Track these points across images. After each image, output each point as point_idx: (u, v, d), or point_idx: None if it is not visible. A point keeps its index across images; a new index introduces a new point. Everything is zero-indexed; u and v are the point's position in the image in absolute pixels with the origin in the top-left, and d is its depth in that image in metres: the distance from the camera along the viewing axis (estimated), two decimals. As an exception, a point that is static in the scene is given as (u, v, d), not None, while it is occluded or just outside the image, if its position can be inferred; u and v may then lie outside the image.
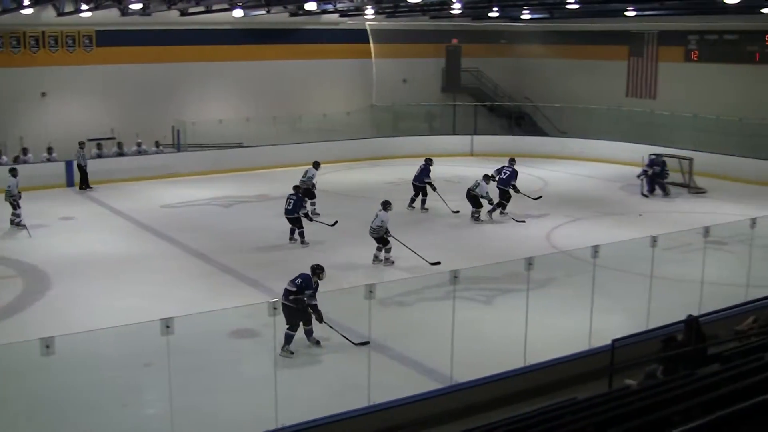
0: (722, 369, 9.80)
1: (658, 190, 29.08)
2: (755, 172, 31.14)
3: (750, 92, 33.96)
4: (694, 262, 16.94)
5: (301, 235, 22.42)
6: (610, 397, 9.87)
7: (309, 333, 14.66)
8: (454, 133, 40.30)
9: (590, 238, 18.20)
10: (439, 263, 19.31)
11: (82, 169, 30.14)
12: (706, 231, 15.69)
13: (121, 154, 32.13)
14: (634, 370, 12.48)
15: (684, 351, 11.66)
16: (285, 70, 38.36)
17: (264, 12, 32.80)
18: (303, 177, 25.90)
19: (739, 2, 27.20)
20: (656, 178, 29.07)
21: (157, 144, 33.20)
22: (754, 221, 16.31)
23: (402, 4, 31.91)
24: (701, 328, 11.93)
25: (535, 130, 41.88)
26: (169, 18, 33.44)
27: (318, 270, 14.77)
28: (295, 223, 22.43)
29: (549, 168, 34.31)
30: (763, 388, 4.56)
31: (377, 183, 31.12)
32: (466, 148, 37.76)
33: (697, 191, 29.46)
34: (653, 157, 29.59)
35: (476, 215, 25.17)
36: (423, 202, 26.79)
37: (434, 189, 26.49)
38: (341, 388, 13.31)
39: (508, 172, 26.11)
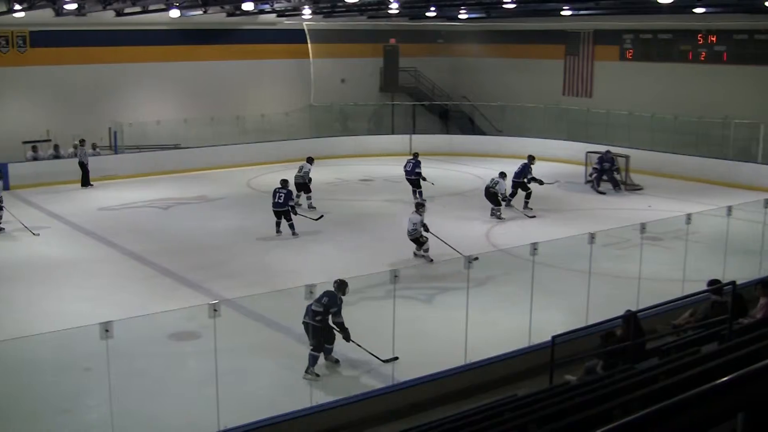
0: (660, 363, 9.92)
1: (603, 187, 29.48)
2: (690, 168, 31.61)
3: (684, 90, 34.45)
4: (632, 258, 17.14)
5: (291, 227, 23.20)
6: (551, 393, 9.94)
7: (328, 351, 13.94)
8: (392, 133, 40.36)
9: (529, 236, 18.32)
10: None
11: (84, 167, 30.50)
12: (643, 227, 15.88)
13: (57, 157, 31.64)
14: (574, 365, 12.61)
15: (623, 346, 11.78)
16: (223, 70, 38.10)
17: (201, 12, 32.53)
18: (299, 172, 26.77)
19: (672, 2, 27.59)
20: (609, 174, 29.40)
21: (94, 146, 32.75)
22: (689, 217, 16.54)
23: (339, 4, 31.83)
24: (639, 323, 12.06)
25: (473, 129, 42.05)
26: (105, 18, 33.01)
27: (343, 286, 13.91)
28: (285, 215, 23.26)
29: (486, 167, 34.34)
30: (699, 380, 4.62)
31: (316, 183, 30.92)
32: (404, 147, 37.77)
33: (634, 188, 29.81)
34: (601, 154, 29.98)
35: (497, 213, 25.48)
36: (420, 194, 27.18)
37: (425, 180, 27.61)
38: (283, 389, 13.25)
39: (520, 168, 26.89)
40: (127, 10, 32.39)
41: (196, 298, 17.06)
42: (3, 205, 24.04)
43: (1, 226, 23.81)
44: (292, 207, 23.47)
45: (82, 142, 30.88)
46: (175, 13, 31.77)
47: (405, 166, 27.99)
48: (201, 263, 20.58)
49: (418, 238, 20.44)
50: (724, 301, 12.69)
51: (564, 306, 16.44)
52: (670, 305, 13.94)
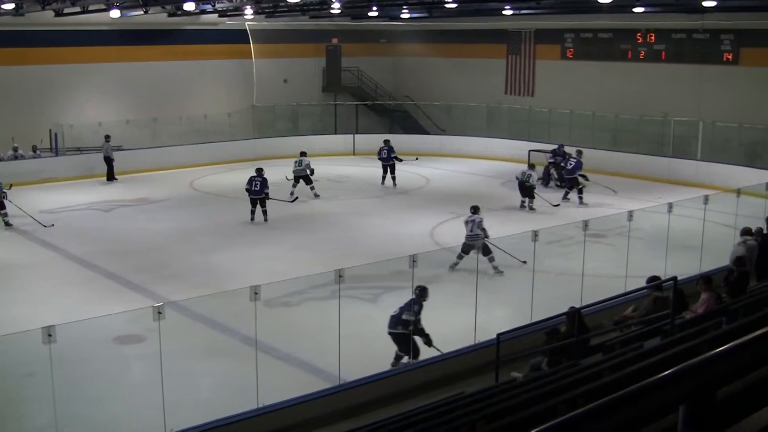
0: (605, 358, 10.02)
1: (552, 183, 29.89)
2: (631, 166, 32.03)
3: (624, 88, 34.82)
4: (575, 255, 17.30)
5: (265, 213, 24.59)
6: (497, 390, 10.00)
7: (418, 354, 13.84)
8: (335, 133, 40.33)
9: (473, 234, 18.41)
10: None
11: (109, 162, 31.53)
12: (586, 225, 16.04)
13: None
14: (520, 362, 12.69)
15: (567, 342, 11.88)
16: (165, 71, 37.77)
17: (142, 12, 32.19)
18: (299, 166, 28.17)
19: (612, 2, 27.91)
20: (559, 170, 29.72)
21: (34, 148, 32.31)
22: (630, 214, 16.73)
23: (281, 3, 31.74)
24: (583, 320, 12.17)
25: (416, 129, 42.15)
26: (44, 18, 32.47)
27: (425, 291, 13.86)
28: (262, 203, 24.59)
29: (430, 165, 34.56)
30: (643, 375, 4.69)
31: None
32: (348, 147, 37.83)
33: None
34: (554, 148, 30.37)
35: (530, 205, 26.42)
36: (394, 179, 30.12)
37: (401, 161, 30.23)
38: (229, 391, 13.19)
39: (574, 163, 27.55)
40: (66, 11, 31.91)
41: (140, 301, 16.92)
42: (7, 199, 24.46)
43: (9, 221, 24.22)
44: (267, 194, 24.59)
45: (108, 137, 31.67)
46: (115, 13, 31.38)
47: (379, 154, 30.21)
48: (144, 265, 20.40)
49: (485, 246, 18.86)
50: (666, 297, 12.86)
51: (508, 304, 16.56)
52: (613, 301, 14.08)
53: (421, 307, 13.72)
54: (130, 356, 14.59)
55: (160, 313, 10.95)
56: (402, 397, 12.41)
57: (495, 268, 18.90)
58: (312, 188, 28.18)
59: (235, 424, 11.33)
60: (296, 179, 27.93)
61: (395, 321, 13.68)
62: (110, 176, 31.74)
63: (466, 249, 19.01)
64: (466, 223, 19.57)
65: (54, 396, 10.41)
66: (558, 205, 26.74)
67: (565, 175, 27.79)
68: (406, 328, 13.54)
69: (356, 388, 12.52)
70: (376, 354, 13.99)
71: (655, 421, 4.30)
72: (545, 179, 30.11)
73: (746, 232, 16.27)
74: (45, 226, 23.64)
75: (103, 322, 14.53)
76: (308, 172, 28.14)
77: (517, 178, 26.64)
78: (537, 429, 3.49)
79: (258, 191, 24.52)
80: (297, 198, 25.80)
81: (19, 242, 23.04)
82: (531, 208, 26.30)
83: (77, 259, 21.11)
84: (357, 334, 14.22)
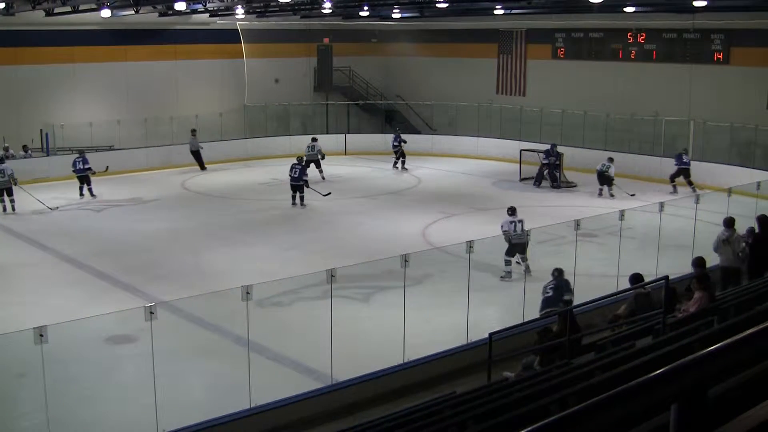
0: (596, 358, 10.03)
1: (545, 183, 30.02)
2: (622, 165, 32.00)
3: (615, 88, 34.89)
4: (567, 254, 17.31)
5: (302, 199, 26.62)
6: (489, 390, 10.00)
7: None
8: (327, 132, 40.28)
9: (464, 234, 18.37)
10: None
11: (197, 154, 33.84)
12: (577, 224, 16.05)
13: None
14: (512, 362, 12.70)
15: (559, 342, 11.89)
16: (156, 70, 37.71)
17: (132, 12, 32.07)
18: (311, 151, 31.38)
19: (602, 1, 27.94)
20: (552, 170, 29.82)
21: (25, 148, 32.22)
22: (622, 213, 16.76)
23: (272, 3, 31.70)
24: (575, 319, 12.19)
25: (407, 128, 42.14)
26: (34, 18, 32.39)
27: (562, 272, 14.87)
28: (299, 189, 26.62)
29: (421, 165, 34.59)
30: (634, 374, 4.69)
31: (251, 184, 30.95)
32: (339, 147, 37.79)
33: (568, 185, 30.14)
34: (548, 148, 30.41)
35: (610, 192, 28.40)
36: (403, 163, 33.90)
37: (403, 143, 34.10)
38: (221, 391, 13.18)
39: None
40: (57, 10, 31.87)
41: (132, 301, 16.89)
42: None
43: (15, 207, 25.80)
44: (306, 182, 26.74)
45: (194, 132, 33.92)
46: (106, 12, 31.25)
47: (393, 141, 34.19)
48: (136, 266, 20.36)
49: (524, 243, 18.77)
50: (648, 293, 12.93)
51: (500, 303, 16.57)
52: (604, 301, 14.10)
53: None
54: (122, 356, 14.55)
55: (152, 313, 10.94)
56: (394, 397, 12.42)
57: (527, 266, 18.56)
58: (321, 171, 30.98)
59: (227, 424, 11.33)
60: (307, 163, 29.20)
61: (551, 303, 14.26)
62: (202, 166, 33.93)
63: (515, 251, 18.80)
64: (511, 223, 18.99)
65: (46, 396, 10.39)
66: (634, 194, 27.78)
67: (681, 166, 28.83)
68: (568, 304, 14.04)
69: (348, 387, 12.53)
70: (368, 353, 14.00)
71: (646, 420, 4.31)
72: (538, 179, 30.16)
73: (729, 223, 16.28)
74: (51, 209, 24.78)
75: (95, 322, 14.49)
76: (320, 156, 31.24)
77: (598, 170, 28.55)
78: (529, 428, 3.49)
79: (297, 177, 26.56)
80: (330, 193, 27.45)
81: (11, 242, 22.98)
82: (611, 195, 28.17)
83: (69, 259, 21.05)
84: (349, 334, 14.23)
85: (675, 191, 28.25)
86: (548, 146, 30.75)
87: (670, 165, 29.52)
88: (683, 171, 28.55)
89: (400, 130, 36.28)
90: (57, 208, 24.05)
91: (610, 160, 28.67)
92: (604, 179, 28.39)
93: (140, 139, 35.11)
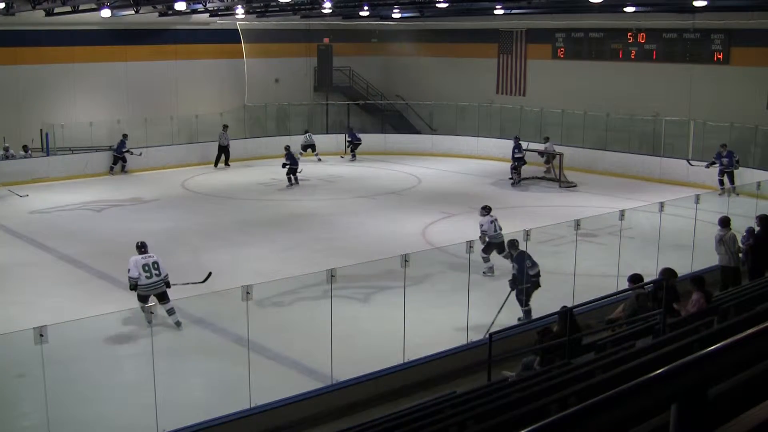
0: (596, 358, 10.03)
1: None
2: (622, 165, 32.11)
3: (615, 88, 34.88)
4: (567, 254, 17.31)
5: (297, 179, 30.11)
6: (489, 390, 10.00)
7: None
8: (327, 132, 40.29)
9: (464, 234, 18.37)
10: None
11: (226, 150, 35.05)
12: (577, 224, 16.05)
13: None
14: (512, 362, 12.70)
15: (559, 342, 11.89)
16: (156, 70, 37.68)
17: (132, 12, 32.06)
18: (308, 138, 35.46)
19: (603, 1, 27.94)
20: (520, 164, 30.25)
21: (25, 148, 32.21)
22: (622, 213, 16.76)
23: (272, 3, 31.72)
24: (575, 319, 12.18)
25: (407, 128, 42.17)
26: (34, 18, 32.38)
27: (515, 242, 15.66)
28: (292, 172, 29.96)
29: (421, 165, 34.61)
30: (634, 374, 4.69)
31: (250, 183, 30.95)
32: (339, 146, 37.78)
33: (568, 185, 30.15)
34: (545, 146, 30.67)
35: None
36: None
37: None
38: (221, 391, 13.18)
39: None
40: (57, 10, 31.86)
41: (132, 301, 16.85)
42: None
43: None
44: (291, 167, 30.03)
45: (225, 127, 35.07)
46: (106, 12, 31.24)
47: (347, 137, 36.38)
48: (136, 266, 20.32)
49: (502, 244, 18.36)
50: (646, 293, 12.95)
51: (500, 303, 16.55)
52: (605, 301, 14.10)
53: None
54: (123, 356, 14.56)
55: (152, 313, 10.96)
56: (394, 397, 12.42)
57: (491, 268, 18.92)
58: (316, 154, 34.86)
59: (228, 423, 11.32)
60: (304, 148, 34.01)
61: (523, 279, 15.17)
62: (226, 162, 34.99)
63: (492, 249, 18.84)
64: (491, 222, 18.93)
65: (46, 396, 10.39)
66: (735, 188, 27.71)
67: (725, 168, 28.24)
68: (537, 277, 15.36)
69: (348, 387, 12.52)
70: (368, 353, 14.00)
71: (646, 420, 4.31)
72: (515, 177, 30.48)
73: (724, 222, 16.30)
74: (20, 196, 24.61)
75: (95, 322, 14.50)
76: (313, 141, 35.28)
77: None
78: (529, 428, 3.49)
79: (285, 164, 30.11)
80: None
81: (11, 242, 22.98)
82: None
83: (69, 259, 21.05)
84: (349, 334, 14.23)
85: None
86: (546, 144, 30.85)
87: (670, 165, 29.53)
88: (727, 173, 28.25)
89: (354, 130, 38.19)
90: (27, 195, 24.02)
91: (546, 139, 30.90)
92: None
93: (140, 139, 35.05)
